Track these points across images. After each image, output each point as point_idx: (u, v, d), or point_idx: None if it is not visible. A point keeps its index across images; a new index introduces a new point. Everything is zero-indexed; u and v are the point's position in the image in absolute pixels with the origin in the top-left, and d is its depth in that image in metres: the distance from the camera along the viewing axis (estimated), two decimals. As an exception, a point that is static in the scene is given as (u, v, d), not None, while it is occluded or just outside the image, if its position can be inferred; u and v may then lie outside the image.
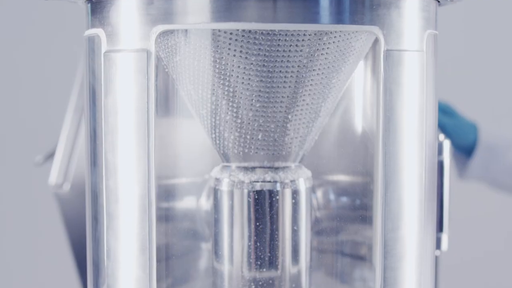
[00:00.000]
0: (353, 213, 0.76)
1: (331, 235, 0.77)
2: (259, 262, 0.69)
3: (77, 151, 0.99)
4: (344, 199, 0.77)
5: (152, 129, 0.61)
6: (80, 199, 0.89)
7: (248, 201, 0.68)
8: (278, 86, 0.64)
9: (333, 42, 0.64)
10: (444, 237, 0.83)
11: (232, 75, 0.64)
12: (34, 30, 1.91)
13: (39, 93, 1.93)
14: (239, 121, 0.66)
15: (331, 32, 0.63)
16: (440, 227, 0.83)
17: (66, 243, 1.01)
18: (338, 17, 0.61)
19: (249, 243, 0.68)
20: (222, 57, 0.63)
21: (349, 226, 0.76)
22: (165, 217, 0.74)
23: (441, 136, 0.83)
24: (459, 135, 1.22)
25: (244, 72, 0.63)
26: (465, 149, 1.24)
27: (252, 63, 0.63)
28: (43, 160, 1.12)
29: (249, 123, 0.66)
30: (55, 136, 1.03)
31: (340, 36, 0.64)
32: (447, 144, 0.83)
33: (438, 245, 0.84)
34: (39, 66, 1.93)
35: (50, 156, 1.07)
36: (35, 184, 1.58)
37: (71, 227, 0.99)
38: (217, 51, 0.63)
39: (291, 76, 0.64)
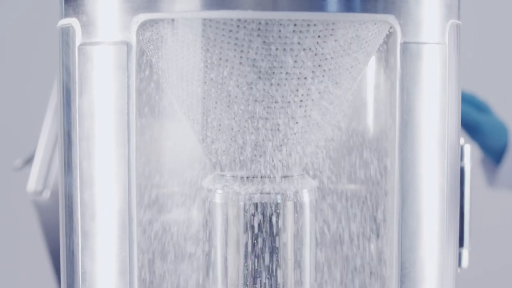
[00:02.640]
0: (364, 228, 0.71)
1: (339, 253, 0.72)
2: (257, 284, 0.63)
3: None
4: (353, 213, 0.71)
5: (133, 134, 0.56)
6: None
7: (245, 215, 0.62)
8: (278, 84, 0.59)
9: (342, 34, 0.58)
10: (465, 252, 0.78)
11: (225, 72, 0.58)
12: (11, 23, 1.89)
13: (17, 92, 1.90)
14: (234, 124, 0.60)
15: (339, 22, 0.57)
16: (460, 242, 0.78)
17: (45, 254, 0.97)
18: (348, 5, 0.56)
19: (246, 263, 0.62)
20: (214, 51, 0.57)
21: (360, 244, 0.71)
22: (150, 232, 0.69)
23: (461, 140, 0.77)
24: (493, 135, 1.18)
25: (240, 68, 0.57)
26: (495, 152, 1.21)
27: (248, 58, 0.57)
28: (22, 164, 1.07)
29: (246, 126, 0.60)
30: (35, 138, 0.99)
31: (349, 26, 0.58)
32: (467, 149, 0.79)
33: (458, 261, 0.79)
34: (16, 63, 1.90)
35: (30, 160, 1.03)
36: (13, 191, 1.54)
37: (50, 237, 0.96)
38: (209, 43, 0.57)
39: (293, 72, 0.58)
